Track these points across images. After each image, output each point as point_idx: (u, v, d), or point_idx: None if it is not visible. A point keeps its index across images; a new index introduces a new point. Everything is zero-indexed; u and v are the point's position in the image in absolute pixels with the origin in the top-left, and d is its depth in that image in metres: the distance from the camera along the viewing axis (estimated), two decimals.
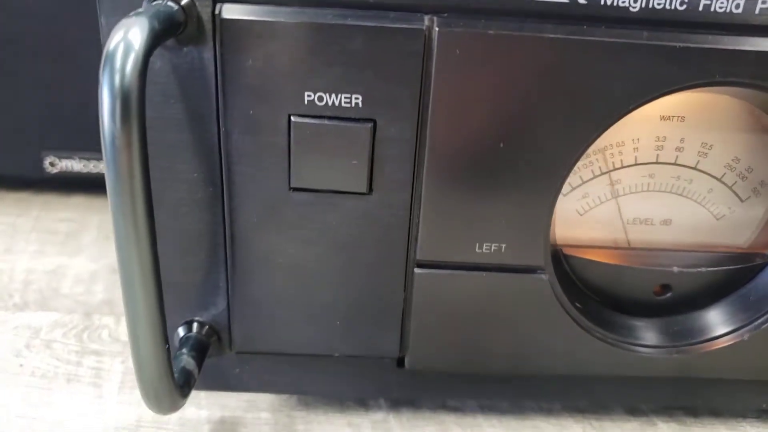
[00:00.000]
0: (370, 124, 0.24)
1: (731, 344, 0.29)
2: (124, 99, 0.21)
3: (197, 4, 0.22)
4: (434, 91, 0.24)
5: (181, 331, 0.28)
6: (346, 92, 0.24)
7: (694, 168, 0.29)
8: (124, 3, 0.23)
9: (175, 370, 0.25)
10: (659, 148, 0.28)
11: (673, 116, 0.28)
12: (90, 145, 0.47)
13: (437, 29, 0.23)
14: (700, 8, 0.23)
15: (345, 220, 0.26)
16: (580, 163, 0.28)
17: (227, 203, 0.26)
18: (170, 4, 0.22)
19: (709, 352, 0.29)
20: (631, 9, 0.23)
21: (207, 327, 0.28)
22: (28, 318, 0.37)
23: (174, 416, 0.31)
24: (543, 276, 0.27)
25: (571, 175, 0.28)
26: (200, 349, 0.27)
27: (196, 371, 0.26)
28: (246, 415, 0.31)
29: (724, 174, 0.29)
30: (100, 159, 0.47)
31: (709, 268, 0.29)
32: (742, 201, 0.29)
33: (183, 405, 0.25)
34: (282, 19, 0.23)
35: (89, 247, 0.44)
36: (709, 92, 0.27)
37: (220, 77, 0.23)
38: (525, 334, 0.28)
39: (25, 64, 0.44)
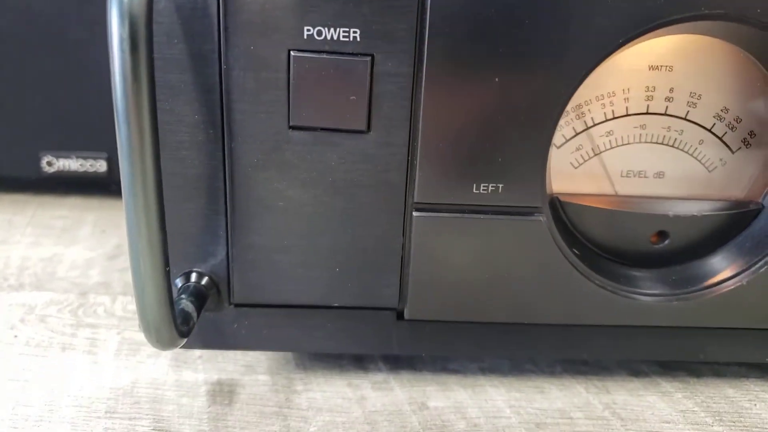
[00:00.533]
0: (368, 58, 0.25)
1: (730, 290, 0.29)
2: (132, 25, 0.21)
3: None
4: (431, 24, 0.24)
5: (179, 282, 0.28)
6: (344, 26, 0.24)
7: (684, 118, 0.29)
8: None
9: (176, 314, 0.25)
10: (649, 98, 0.29)
11: (662, 66, 0.29)
12: (88, 145, 0.48)
13: None
14: None
15: (344, 160, 0.26)
16: (573, 114, 0.29)
17: (227, 144, 0.26)
18: None
19: (709, 300, 0.29)
20: None
21: (206, 278, 0.28)
22: (23, 297, 0.36)
23: (170, 378, 0.30)
24: (541, 218, 0.27)
25: (564, 126, 0.29)
26: (199, 296, 0.27)
27: (195, 315, 0.26)
28: (243, 377, 0.31)
29: (714, 124, 0.29)
30: (97, 158, 0.47)
31: (704, 213, 0.29)
32: (733, 152, 0.30)
33: (181, 344, 0.25)
34: None
35: (86, 240, 0.44)
36: (697, 36, 0.28)
37: (222, 14, 0.24)
38: (524, 281, 0.28)
39: (23, 64, 0.45)
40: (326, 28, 0.24)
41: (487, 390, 0.31)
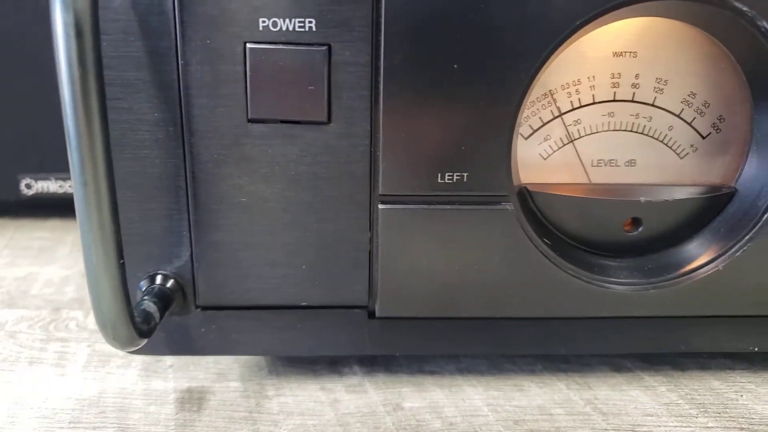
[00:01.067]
0: (324, 48, 0.24)
1: (707, 275, 0.28)
2: (76, 10, 0.21)
3: None
4: (386, 11, 0.24)
5: (144, 285, 0.27)
6: (300, 16, 0.24)
7: (652, 105, 0.29)
8: None
9: (136, 314, 0.25)
10: (615, 85, 0.29)
11: (626, 52, 0.28)
12: (66, 167, 0.47)
13: None
14: None
15: (305, 153, 0.26)
16: (539, 104, 0.29)
17: (187, 141, 0.26)
18: None
19: (686, 287, 0.28)
20: None
21: (172, 280, 0.28)
22: None
23: (139, 387, 0.29)
24: (508, 206, 0.27)
25: (530, 116, 0.29)
26: (163, 297, 0.27)
27: (157, 315, 0.26)
28: (214, 385, 0.30)
29: (682, 110, 0.29)
30: None
31: (677, 198, 0.29)
32: (703, 137, 0.30)
33: (141, 344, 0.24)
34: None
35: (63, 259, 0.43)
36: (659, 20, 0.27)
37: (177, 8, 0.24)
38: (495, 273, 0.28)
39: (0, 87, 0.45)
40: (281, 19, 0.24)
41: (465, 389, 0.30)
